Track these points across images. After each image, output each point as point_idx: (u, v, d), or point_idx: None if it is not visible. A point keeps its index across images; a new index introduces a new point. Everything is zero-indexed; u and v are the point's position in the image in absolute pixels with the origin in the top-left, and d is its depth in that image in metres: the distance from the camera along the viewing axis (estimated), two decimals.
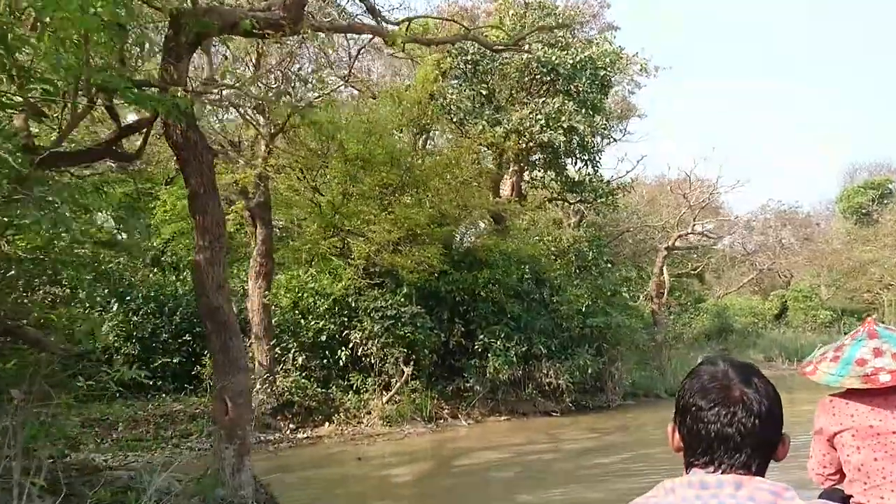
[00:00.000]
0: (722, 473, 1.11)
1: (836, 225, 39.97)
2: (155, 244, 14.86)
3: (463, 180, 12.53)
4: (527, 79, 13.96)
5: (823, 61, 69.29)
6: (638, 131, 39.50)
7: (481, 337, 13.57)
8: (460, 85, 14.01)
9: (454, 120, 14.00)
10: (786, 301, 35.10)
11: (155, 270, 15.58)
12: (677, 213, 22.27)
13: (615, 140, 17.29)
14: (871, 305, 32.56)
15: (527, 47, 13.02)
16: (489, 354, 13.33)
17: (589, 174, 15.67)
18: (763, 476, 1.12)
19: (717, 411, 1.13)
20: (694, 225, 21.30)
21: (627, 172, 22.42)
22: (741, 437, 1.11)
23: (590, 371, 13.84)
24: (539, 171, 15.98)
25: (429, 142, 16.16)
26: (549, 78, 13.95)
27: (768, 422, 1.13)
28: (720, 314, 33.00)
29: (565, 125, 13.23)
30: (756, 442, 1.12)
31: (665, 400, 16.44)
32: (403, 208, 11.84)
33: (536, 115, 13.39)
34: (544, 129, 13.42)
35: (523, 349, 13.60)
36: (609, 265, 20.42)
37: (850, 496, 2.51)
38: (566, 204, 21.31)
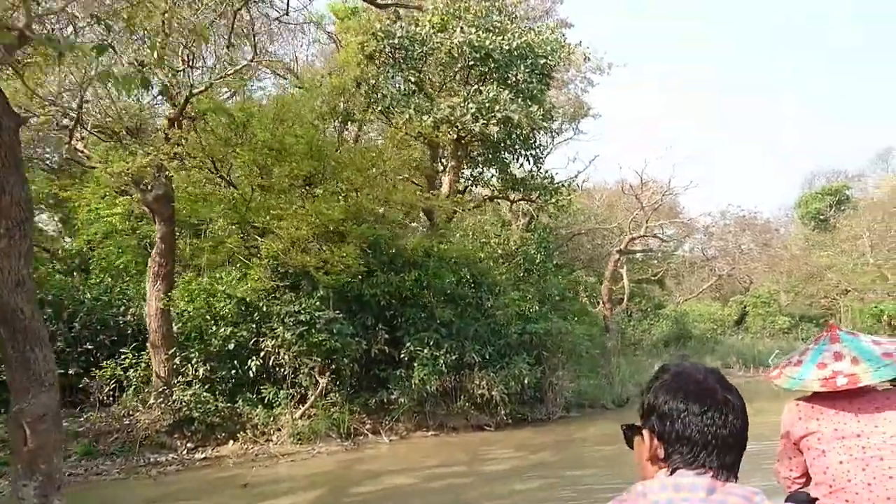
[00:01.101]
0: (713, 475, 1.16)
1: (794, 231, 39.96)
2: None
3: (381, 172, 11.36)
4: (459, 66, 12.91)
5: (783, 68, 69.86)
6: (592, 131, 38.80)
7: (408, 344, 12.45)
8: (387, 71, 12.89)
9: (379, 108, 12.88)
10: (745, 307, 34.79)
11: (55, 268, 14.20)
12: (631, 216, 21.42)
13: (556, 134, 16.35)
14: (829, 311, 32.36)
15: (457, 30, 11.97)
16: (415, 363, 12.20)
17: (532, 171, 14.66)
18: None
19: (711, 415, 1.18)
20: (647, 227, 20.46)
21: (579, 173, 21.60)
22: (733, 438, 1.19)
23: (527, 381, 12.78)
24: (479, 167, 14.93)
25: (362, 133, 15.03)
26: (483, 65, 12.93)
27: (747, 423, 1.22)
28: (679, 320, 32.53)
29: (499, 115, 12.18)
30: (742, 442, 1.21)
31: (612, 411, 15.49)
32: (314, 202, 10.65)
33: (468, 103, 12.33)
34: (477, 118, 12.37)
35: (454, 357, 12.51)
36: (557, 269, 19.50)
37: (816, 499, 2.51)
38: (513, 204, 20.40)
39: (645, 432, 1.23)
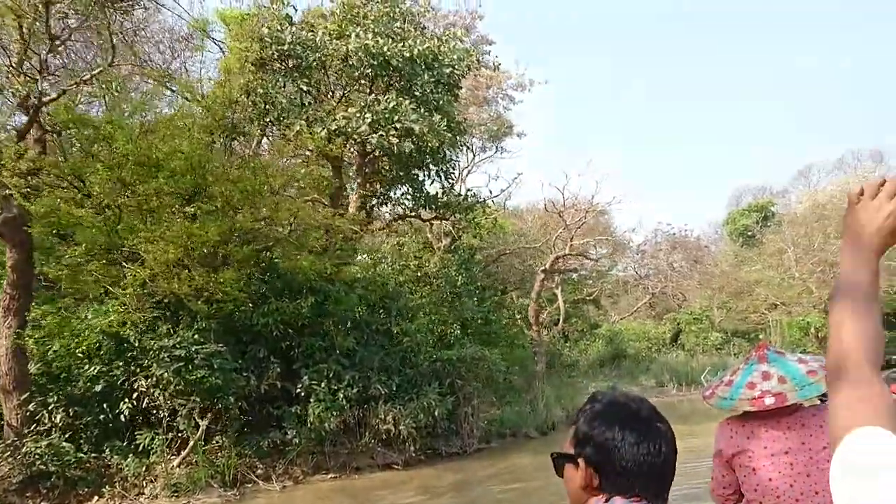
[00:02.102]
0: (647, 503, 1.20)
1: (724, 248, 40.50)
2: None
3: (268, 189, 10.22)
4: (357, 74, 12.01)
5: (709, 86, 72.06)
6: (514, 148, 38.39)
7: (304, 378, 11.29)
8: (277, 80, 11.87)
9: (269, 120, 11.83)
10: (679, 324, 34.83)
11: None
12: (556, 235, 20.78)
13: (469, 149, 15.60)
14: (760, 326, 32.62)
15: (353, 36, 11.07)
16: (311, 399, 11.05)
17: (444, 189, 13.80)
18: None
19: (646, 445, 1.20)
20: (572, 246, 19.86)
21: (502, 191, 20.98)
22: (666, 467, 1.23)
23: (437, 412, 11.75)
24: (385, 186, 13.98)
25: (259, 148, 13.91)
26: (383, 73, 12.06)
27: (676, 452, 1.25)
28: (613, 340, 32.24)
29: (399, 126, 11.29)
30: (672, 471, 1.25)
31: (535, 439, 14.59)
32: (185, 222, 9.46)
33: (365, 114, 11.40)
34: (376, 130, 11.44)
35: (356, 391, 11.40)
36: (481, 291, 18.67)
37: None
38: (433, 225, 19.58)
39: (580, 461, 1.24)
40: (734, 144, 70.05)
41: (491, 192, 15.83)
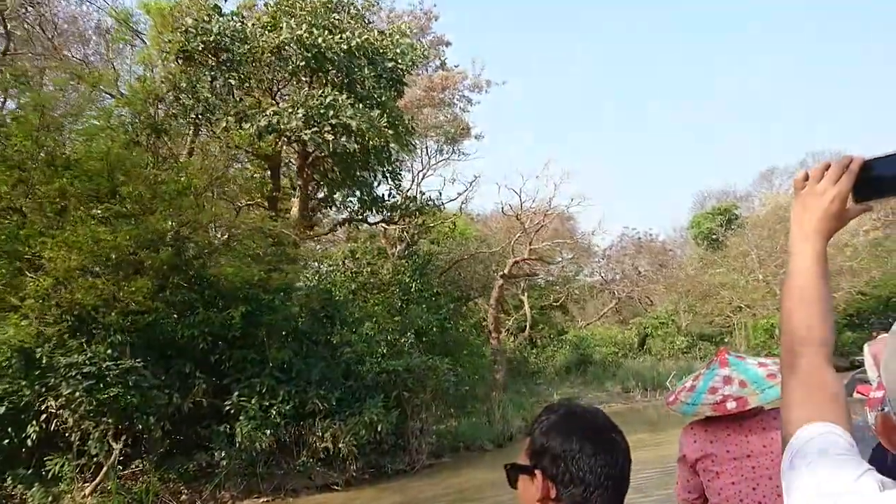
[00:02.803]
0: None
1: (689, 251, 40.45)
2: None
3: (181, 190, 9.36)
4: (291, 67, 11.25)
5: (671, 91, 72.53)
6: (473, 151, 37.68)
7: (235, 394, 10.45)
8: (203, 73, 11.06)
9: (194, 116, 10.99)
10: (645, 329, 34.57)
11: None
12: (513, 238, 20.13)
13: (415, 147, 14.94)
14: (725, 329, 32.47)
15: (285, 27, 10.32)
16: (241, 416, 10.21)
17: (391, 191, 13.10)
18: None
19: (603, 457, 1.20)
20: (531, 250, 19.25)
21: (460, 194, 20.32)
22: (622, 478, 1.22)
23: (380, 427, 10.97)
24: (331, 189, 13.21)
25: (195, 147, 13.04)
26: (318, 67, 11.32)
27: (631, 463, 1.25)
28: (579, 345, 31.76)
29: (333, 122, 10.55)
30: (627, 482, 1.24)
31: (491, 452, 13.88)
32: (92, 226, 8.60)
33: (297, 109, 10.64)
34: (309, 125, 10.68)
35: (290, 406, 10.59)
36: (436, 298, 17.96)
37: None
38: (385, 230, 18.87)
39: (537, 472, 1.23)
40: (700, 146, 70.40)
41: (441, 195, 15.13)
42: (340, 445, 10.70)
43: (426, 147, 19.76)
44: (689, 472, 2.66)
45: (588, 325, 37.46)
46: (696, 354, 31.46)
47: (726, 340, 31.57)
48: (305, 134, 10.55)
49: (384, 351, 12.32)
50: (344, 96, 10.87)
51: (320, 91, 10.94)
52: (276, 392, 10.64)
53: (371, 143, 11.71)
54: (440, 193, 16.83)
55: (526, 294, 32.66)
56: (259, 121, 10.59)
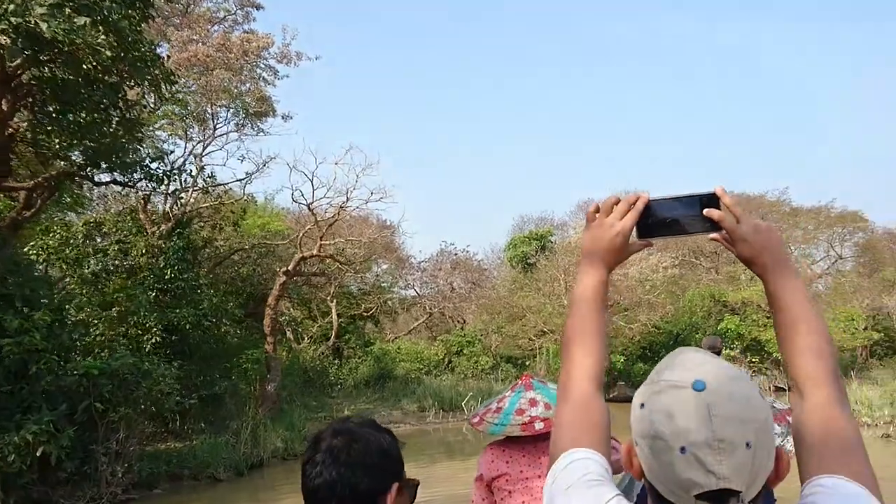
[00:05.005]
0: None
1: (504, 273, 40.69)
2: None
3: None
4: None
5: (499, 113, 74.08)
6: (284, 130, 34.75)
7: None
8: None
9: None
10: (452, 346, 33.87)
11: None
12: (303, 231, 17.70)
13: (170, 97, 12.16)
14: (530, 352, 32.47)
15: None
16: None
17: (123, 140, 10.16)
18: None
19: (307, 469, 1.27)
20: (321, 246, 16.96)
21: (251, 175, 17.60)
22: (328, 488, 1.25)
23: (45, 450, 7.97)
24: (37, 129, 9.96)
25: None
26: None
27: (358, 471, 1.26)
28: (381, 359, 30.21)
29: (14, 21, 7.59)
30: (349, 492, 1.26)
31: (225, 483, 11.23)
32: None
33: None
34: None
35: None
36: (200, 291, 15.06)
37: None
38: (145, 202, 15.71)
39: None
40: (521, 170, 71.81)
41: (252, 175, 12.28)
42: None
43: (213, 114, 16.86)
44: (485, 491, 2.76)
45: (396, 338, 36.36)
46: (498, 376, 31.08)
47: (528, 364, 31.53)
48: None
49: (81, 346, 9.32)
50: None
51: None
52: None
53: (93, 72, 8.85)
54: (234, 174, 13.99)
55: (335, 301, 30.80)
56: None
